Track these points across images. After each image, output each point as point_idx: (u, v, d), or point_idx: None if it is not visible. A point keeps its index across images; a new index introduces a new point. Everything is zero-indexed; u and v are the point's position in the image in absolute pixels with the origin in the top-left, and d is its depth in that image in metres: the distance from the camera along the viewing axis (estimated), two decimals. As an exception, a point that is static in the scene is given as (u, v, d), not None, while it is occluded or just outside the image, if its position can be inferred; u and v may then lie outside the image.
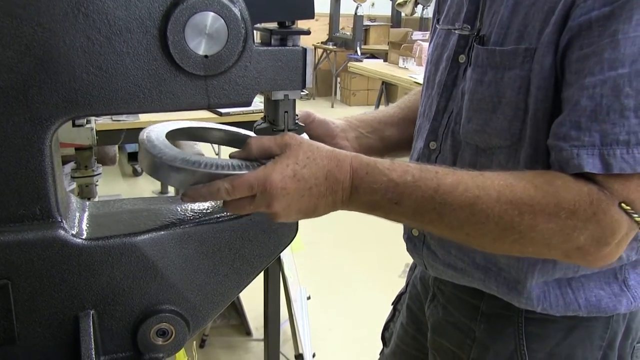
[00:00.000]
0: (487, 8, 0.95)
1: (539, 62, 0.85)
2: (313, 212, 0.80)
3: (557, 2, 0.83)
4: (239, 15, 0.72)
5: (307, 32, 0.81)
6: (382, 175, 0.78)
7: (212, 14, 0.71)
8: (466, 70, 0.99)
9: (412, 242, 1.12)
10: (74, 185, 2.17)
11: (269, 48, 0.78)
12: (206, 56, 0.72)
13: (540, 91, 0.85)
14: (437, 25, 1.10)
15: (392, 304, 1.37)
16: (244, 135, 1.01)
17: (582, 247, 0.79)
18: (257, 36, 0.80)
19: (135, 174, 5.61)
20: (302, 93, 0.83)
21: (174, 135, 0.92)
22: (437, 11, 1.11)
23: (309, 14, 0.80)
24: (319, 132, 1.07)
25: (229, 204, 0.77)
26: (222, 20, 0.71)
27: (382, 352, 1.39)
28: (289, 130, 0.85)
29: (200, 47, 0.72)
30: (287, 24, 0.80)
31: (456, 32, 1.01)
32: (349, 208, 0.82)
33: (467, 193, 0.77)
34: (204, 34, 0.71)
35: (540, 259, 0.93)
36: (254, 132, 0.89)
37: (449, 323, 1.10)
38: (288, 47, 0.79)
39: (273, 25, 0.80)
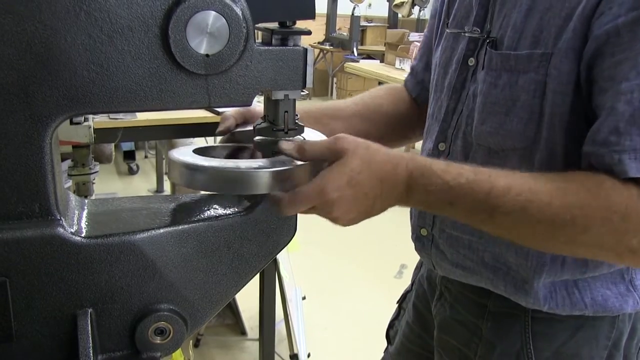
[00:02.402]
0: (497, 11, 0.95)
1: (556, 67, 0.85)
2: (371, 210, 0.83)
3: (574, 8, 0.83)
4: (240, 14, 0.72)
5: (308, 32, 0.81)
6: (437, 177, 0.81)
7: (213, 13, 0.71)
8: (475, 72, 1.00)
9: (421, 241, 1.12)
10: (70, 183, 2.17)
11: (270, 48, 0.78)
12: (207, 55, 0.72)
13: (557, 96, 0.86)
14: (446, 29, 1.10)
15: (397, 302, 1.38)
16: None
17: (636, 250, 0.79)
18: (257, 36, 0.80)
19: (131, 172, 5.60)
20: (302, 93, 0.84)
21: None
22: (446, 15, 1.12)
23: (310, 14, 0.80)
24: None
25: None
26: (224, 20, 0.71)
27: (386, 350, 1.40)
28: (289, 129, 0.85)
29: (202, 46, 0.71)
30: (287, 24, 0.80)
31: (466, 35, 1.02)
32: (405, 205, 0.85)
33: (519, 197, 0.79)
34: (205, 33, 0.71)
35: (549, 259, 0.94)
36: (254, 132, 0.89)
37: (455, 321, 1.11)
38: (289, 47, 0.79)
39: (274, 25, 0.80)
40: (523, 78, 0.89)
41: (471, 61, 1.01)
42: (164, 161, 4.60)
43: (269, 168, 0.79)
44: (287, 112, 0.84)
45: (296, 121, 0.87)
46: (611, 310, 0.97)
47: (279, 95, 0.81)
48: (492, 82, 0.94)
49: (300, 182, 0.81)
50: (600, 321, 0.99)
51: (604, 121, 0.80)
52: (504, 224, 0.82)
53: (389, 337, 1.39)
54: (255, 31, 0.77)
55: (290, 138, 0.86)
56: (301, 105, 1.15)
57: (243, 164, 0.79)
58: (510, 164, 0.92)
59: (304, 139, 0.89)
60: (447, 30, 1.10)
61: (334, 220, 0.81)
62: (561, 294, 0.97)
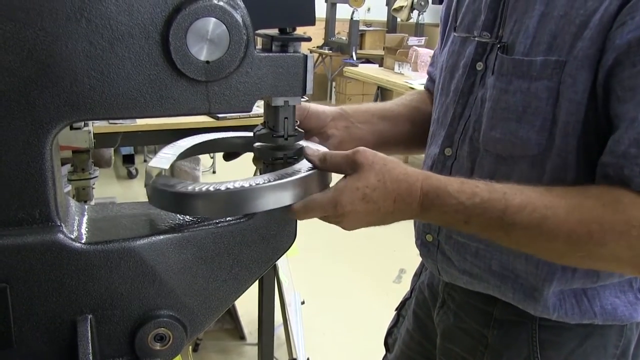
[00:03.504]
0: (507, 16, 0.94)
1: (571, 75, 0.85)
2: (381, 223, 0.85)
3: (590, 15, 0.82)
4: (240, 21, 0.72)
5: (308, 39, 0.81)
6: (451, 198, 0.81)
7: (213, 19, 0.71)
8: (484, 77, 0.99)
9: (426, 247, 1.11)
10: (69, 188, 2.17)
11: (270, 54, 0.78)
12: (207, 62, 0.73)
13: (572, 104, 0.85)
14: (454, 33, 1.09)
15: (396, 309, 1.36)
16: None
17: None
18: (257, 42, 0.80)
19: (130, 176, 5.60)
20: (302, 99, 0.84)
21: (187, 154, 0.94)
22: (454, 19, 1.11)
23: (310, 20, 0.80)
24: (311, 125, 1.08)
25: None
26: (224, 26, 0.72)
27: (385, 358, 1.39)
28: (289, 136, 0.85)
29: (202, 53, 0.72)
30: (287, 31, 0.80)
31: (475, 39, 1.01)
32: (420, 220, 0.87)
33: (534, 213, 0.79)
34: (205, 39, 0.71)
35: (560, 268, 0.94)
36: (254, 138, 0.90)
37: (460, 329, 1.10)
38: (289, 54, 0.79)
39: (274, 31, 0.80)
40: (535, 85, 0.88)
41: (479, 65, 1.00)
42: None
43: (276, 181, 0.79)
44: (286, 118, 0.84)
45: (296, 127, 0.87)
46: (621, 319, 0.96)
47: (279, 101, 0.82)
48: (502, 87, 0.93)
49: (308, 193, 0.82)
50: (609, 329, 0.98)
51: (624, 133, 0.79)
52: (521, 240, 0.83)
53: (387, 345, 1.38)
54: (255, 37, 0.77)
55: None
56: (351, 105, 1.19)
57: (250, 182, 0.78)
58: (518, 171, 0.92)
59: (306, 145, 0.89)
60: (455, 34, 1.09)
61: (342, 227, 0.84)
62: (570, 302, 0.96)
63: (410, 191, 0.82)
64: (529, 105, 0.90)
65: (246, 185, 0.77)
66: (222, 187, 0.77)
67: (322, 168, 0.84)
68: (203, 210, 0.79)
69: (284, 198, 0.79)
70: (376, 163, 0.81)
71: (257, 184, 0.77)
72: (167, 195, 0.79)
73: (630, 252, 0.77)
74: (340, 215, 0.80)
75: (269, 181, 0.78)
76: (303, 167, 0.84)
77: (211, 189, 0.77)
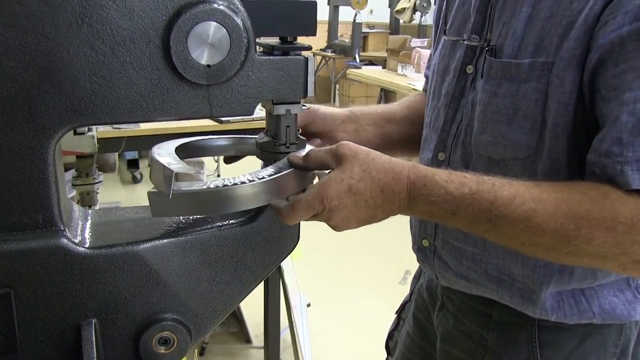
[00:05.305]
0: (495, 19, 0.94)
1: (558, 76, 0.85)
2: (372, 219, 0.82)
3: (576, 16, 0.83)
4: (241, 25, 0.73)
5: (309, 48, 0.81)
6: (439, 187, 0.80)
7: (214, 23, 0.71)
8: (474, 80, 0.99)
9: (423, 252, 1.11)
10: (74, 193, 2.18)
11: (271, 57, 0.78)
12: (209, 65, 0.73)
13: (560, 105, 0.85)
14: (444, 37, 1.09)
15: (396, 312, 1.36)
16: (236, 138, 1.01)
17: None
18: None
19: (135, 181, 5.62)
20: (303, 108, 0.84)
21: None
22: (444, 22, 1.11)
23: (311, 30, 0.81)
24: (320, 128, 1.08)
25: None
26: (225, 30, 0.72)
27: None
28: (290, 144, 0.85)
29: (203, 57, 0.72)
30: (288, 39, 0.80)
31: (464, 42, 1.01)
32: (406, 214, 0.84)
33: (523, 206, 0.78)
34: (206, 43, 0.72)
35: (557, 271, 0.93)
36: (256, 146, 0.89)
37: (459, 332, 1.10)
38: (290, 57, 0.79)
39: (275, 40, 0.81)
40: (524, 87, 0.88)
41: (469, 69, 1.00)
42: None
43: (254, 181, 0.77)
44: (288, 126, 0.84)
45: (298, 135, 0.87)
46: (620, 318, 0.96)
47: (281, 110, 0.82)
48: (492, 90, 0.93)
49: (290, 190, 0.81)
50: (608, 329, 0.98)
51: (607, 131, 0.79)
52: (508, 233, 0.80)
53: (388, 348, 1.37)
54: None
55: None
56: (359, 107, 1.18)
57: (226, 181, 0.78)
58: (511, 174, 0.91)
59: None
60: (445, 38, 1.09)
61: (333, 227, 0.81)
62: (568, 302, 0.96)
63: (398, 179, 0.80)
64: (519, 108, 0.90)
65: (220, 185, 0.76)
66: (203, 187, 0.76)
67: (306, 167, 0.82)
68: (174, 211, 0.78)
69: (256, 199, 0.78)
70: (359, 154, 0.80)
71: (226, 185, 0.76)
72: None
73: (616, 249, 0.77)
74: (329, 211, 0.78)
75: (244, 182, 0.77)
76: (283, 167, 0.82)
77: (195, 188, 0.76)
